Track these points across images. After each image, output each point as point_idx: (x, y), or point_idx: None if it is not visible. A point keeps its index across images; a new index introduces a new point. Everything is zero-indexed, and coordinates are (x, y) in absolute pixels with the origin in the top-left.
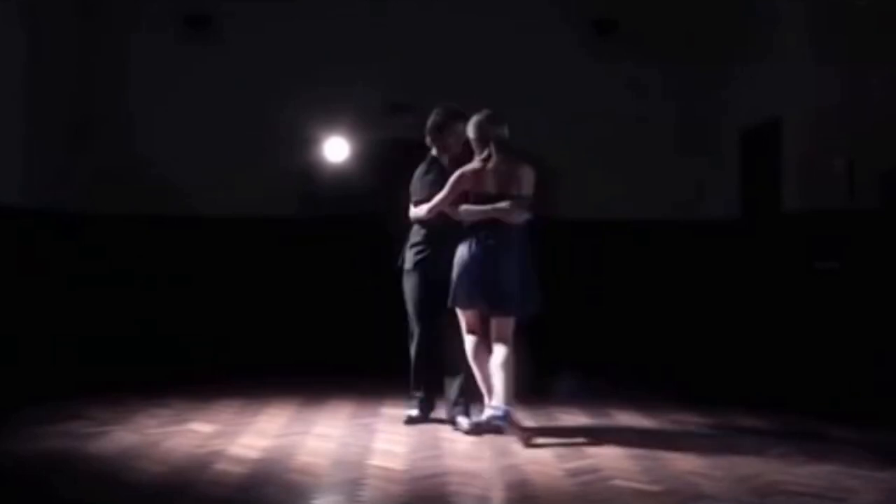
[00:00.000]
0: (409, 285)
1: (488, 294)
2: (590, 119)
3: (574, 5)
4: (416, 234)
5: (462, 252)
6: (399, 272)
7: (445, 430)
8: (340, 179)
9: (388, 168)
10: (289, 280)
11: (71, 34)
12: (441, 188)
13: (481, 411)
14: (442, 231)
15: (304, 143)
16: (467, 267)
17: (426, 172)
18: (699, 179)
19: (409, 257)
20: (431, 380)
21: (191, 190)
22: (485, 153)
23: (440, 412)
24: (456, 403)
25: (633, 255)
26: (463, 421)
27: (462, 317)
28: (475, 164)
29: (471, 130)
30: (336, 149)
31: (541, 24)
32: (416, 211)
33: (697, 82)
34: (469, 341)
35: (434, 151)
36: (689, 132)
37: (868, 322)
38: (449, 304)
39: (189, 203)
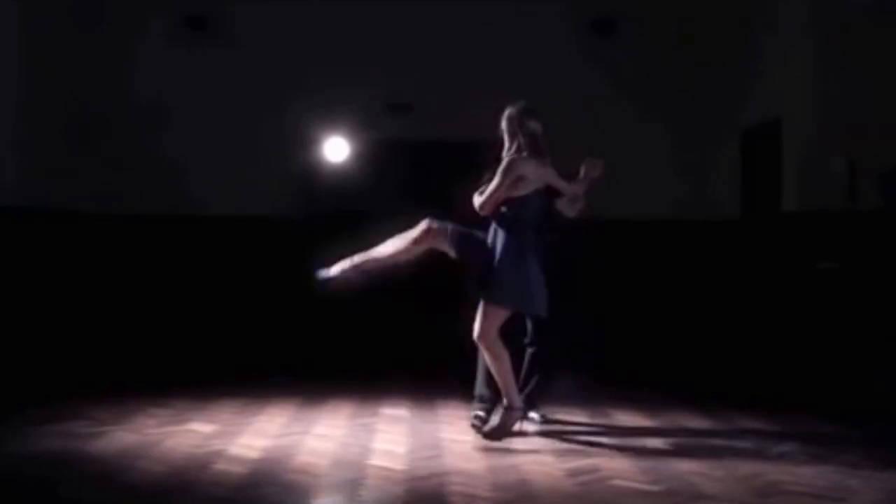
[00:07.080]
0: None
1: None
2: (589, 119)
3: (573, 6)
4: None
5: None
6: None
7: (445, 430)
8: (340, 179)
9: (387, 168)
10: (289, 279)
11: (70, 36)
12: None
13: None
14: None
15: (305, 144)
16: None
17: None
18: (699, 179)
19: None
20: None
21: (192, 190)
22: (513, 147)
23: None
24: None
25: (632, 255)
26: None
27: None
28: (530, 160)
29: (503, 122)
30: (336, 149)
31: (540, 24)
32: (475, 199)
33: (697, 82)
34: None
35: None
36: (689, 132)
37: (868, 322)
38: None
39: (190, 203)
